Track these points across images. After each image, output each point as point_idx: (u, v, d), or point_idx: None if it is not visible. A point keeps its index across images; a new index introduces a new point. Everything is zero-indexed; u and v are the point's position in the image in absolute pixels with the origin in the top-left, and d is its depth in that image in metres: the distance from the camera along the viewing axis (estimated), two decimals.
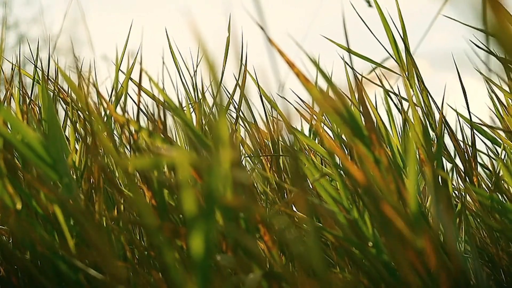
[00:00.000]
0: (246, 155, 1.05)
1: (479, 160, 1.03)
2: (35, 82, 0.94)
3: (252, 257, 0.54)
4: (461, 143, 0.86)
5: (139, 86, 0.72)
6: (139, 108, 0.71)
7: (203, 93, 1.01)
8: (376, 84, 0.92)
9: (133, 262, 0.66)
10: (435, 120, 0.85)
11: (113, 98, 0.87)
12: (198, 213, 0.41)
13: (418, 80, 0.84)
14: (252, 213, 0.56)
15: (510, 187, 0.84)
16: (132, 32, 0.96)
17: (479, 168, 0.96)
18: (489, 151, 0.94)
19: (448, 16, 0.86)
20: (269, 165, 0.92)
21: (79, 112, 0.83)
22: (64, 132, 0.89)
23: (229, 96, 0.97)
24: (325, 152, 0.86)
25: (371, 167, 0.55)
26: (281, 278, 0.53)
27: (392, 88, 0.92)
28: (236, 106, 0.98)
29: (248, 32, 0.92)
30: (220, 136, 0.45)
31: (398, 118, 1.00)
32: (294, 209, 0.73)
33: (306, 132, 1.03)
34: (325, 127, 0.98)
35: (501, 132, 0.92)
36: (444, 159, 0.87)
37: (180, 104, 0.90)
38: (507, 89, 0.89)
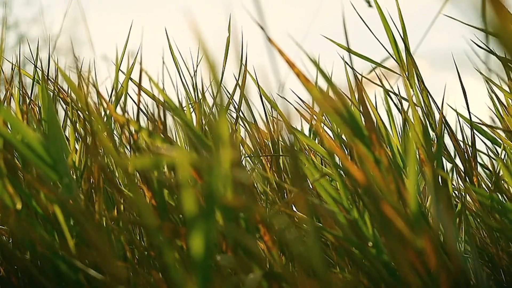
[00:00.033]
0: (246, 155, 1.05)
1: (479, 160, 1.03)
2: (35, 82, 0.94)
3: (252, 257, 0.54)
4: (461, 143, 0.86)
5: (139, 86, 0.72)
6: (139, 108, 0.71)
7: (203, 93, 1.01)
8: (376, 84, 0.92)
9: (133, 262, 0.66)
10: (435, 120, 0.85)
11: (113, 98, 0.87)
12: (198, 213, 0.41)
13: (418, 80, 0.84)
14: (252, 213, 0.56)
15: (510, 187, 0.84)
16: (132, 32, 0.96)
17: (479, 168, 0.96)
18: (489, 151, 0.94)
19: (448, 15, 0.86)
20: (269, 165, 0.92)
21: (79, 112, 0.83)
22: (64, 132, 0.89)
23: (229, 96, 0.97)
24: (325, 152, 0.86)
25: (371, 167, 0.55)
26: (281, 278, 0.53)
27: (392, 88, 0.92)
28: (236, 106, 0.98)
29: (248, 32, 0.92)
30: (220, 136, 0.45)
31: (398, 118, 1.00)
32: (294, 209, 0.73)
33: (306, 132, 1.03)
34: (325, 127, 0.98)
35: (501, 132, 0.92)
36: (444, 159, 0.87)
37: (180, 104, 0.90)
38: (507, 89, 0.89)
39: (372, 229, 0.60)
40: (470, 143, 0.86)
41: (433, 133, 0.85)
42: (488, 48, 0.82)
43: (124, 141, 0.68)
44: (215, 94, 0.95)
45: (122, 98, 0.85)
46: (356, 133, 0.54)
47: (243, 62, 0.94)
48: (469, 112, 0.86)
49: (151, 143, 0.68)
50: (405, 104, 0.89)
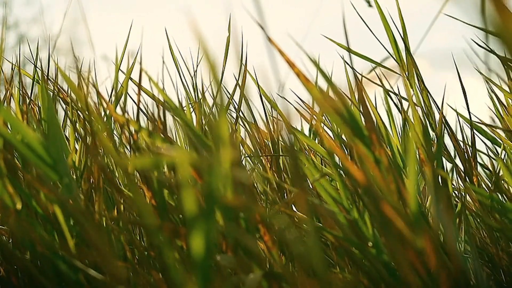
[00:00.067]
0: (246, 155, 1.05)
1: (479, 160, 1.03)
2: (35, 82, 0.94)
3: (252, 257, 0.54)
4: (461, 143, 0.86)
5: (139, 86, 0.72)
6: (139, 108, 0.71)
7: (203, 93, 1.01)
8: (376, 84, 0.92)
9: (133, 262, 0.66)
10: (435, 120, 0.85)
11: (113, 98, 0.87)
12: (198, 213, 0.41)
13: (418, 80, 0.84)
14: (252, 213, 0.56)
15: (510, 187, 0.84)
16: (132, 32, 0.96)
17: (479, 168, 0.96)
18: (489, 151, 0.94)
19: (449, 15, 0.86)
20: (269, 165, 0.92)
21: (79, 112, 0.83)
22: (64, 132, 0.89)
23: (229, 96, 0.97)
24: (325, 152, 0.86)
25: (371, 167, 0.55)
26: (281, 278, 0.53)
27: (392, 88, 0.92)
28: (236, 106, 0.98)
29: (248, 32, 0.92)
30: (220, 136, 0.45)
31: (398, 118, 1.00)
32: (294, 209, 0.73)
33: (306, 132, 1.03)
34: (325, 127, 0.98)
35: (501, 132, 0.92)
36: (444, 159, 0.87)
37: (180, 104, 0.90)
38: (507, 89, 0.89)
39: (372, 229, 0.60)
40: (470, 143, 0.86)
41: (433, 133, 0.85)
42: (489, 47, 0.82)
43: (124, 141, 0.68)
44: (215, 94, 0.95)
45: (122, 98, 0.85)
46: (356, 133, 0.54)
47: (243, 62, 0.94)
48: (469, 112, 0.86)
49: (151, 143, 0.68)
50: (405, 104, 0.89)
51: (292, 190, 0.81)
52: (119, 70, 0.90)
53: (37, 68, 0.92)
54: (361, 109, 0.55)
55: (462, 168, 0.85)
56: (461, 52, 0.88)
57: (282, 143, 0.92)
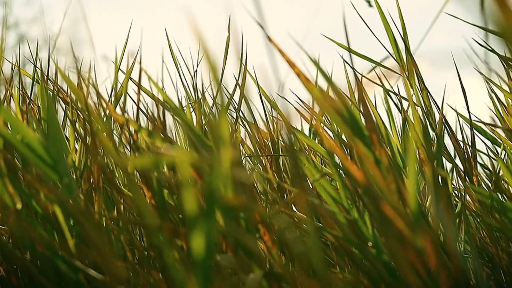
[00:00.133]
0: (246, 155, 1.05)
1: (479, 160, 1.03)
2: (35, 82, 0.94)
3: (252, 257, 0.54)
4: (461, 143, 0.86)
5: (139, 85, 0.72)
6: (138, 108, 0.71)
7: (203, 93, 1.01)
8: (376, 83, 0.92)
9: (133, 262, 0.66)
10: (435, 120, 0.85)
11: (113, 98, 0.87)
12: (199, 213, 0.41)
13: (418, 80, 0.84)
14: (252, 213, 0.56)
15: (510, 187, 0.84)
16: (132, 32, 0.96)
17: (479, 168, 0.96)
18: (489, 151, 0.94)
19: (450, 14, 0.86)
20: (269, 165, 0.92)
21: (78, 112, 0.83)
22: (64, 132, 0.89)
23: (229, 96, 0.97)
24: (325, 152, 0.86)
25: (371, 167, 0.55)
26: (281, 278, 0.53)
27: (392, 87, 0.92)
28: (236, 106, 0.98)
29: (248, 32, 0.92)
30: (220, 136, 0.45)
31: (398, 118, 1.00)
32: (294, 209, 0.73)
33: (306, 132, 1.03)
34: (325, 127, 0.98)
35: (501, 132, 0.92)
36: (444, 159, 0.87)
37: (180, 104, 0.90)
38: (507, 89, 0.89)
39: (372, 229, 0.60)
40: (470, 143, 0.86)
41: (433, 133, 0.85)
42: (489, 46, 0.82)
43: (124, 141, 0.68)
44: (215, 94, 0.95)
45: (122, 98, 0.85)
46: (356, 133, 0.54)
47: (243, 62, 0.94)
48: (469, 112, 0.86)
49: (151, 143, 0.68)
50: (405, 104, 0.89)
51: (292, 190, 0.81)
52: (119, 70, 0.90)
53: (37, 68, 0.92)
54: (361, 109, 0.55)
55: (462, 168, 0.85)
56: (461, 52, 0.88)
57: (282, 143, 0.92)
